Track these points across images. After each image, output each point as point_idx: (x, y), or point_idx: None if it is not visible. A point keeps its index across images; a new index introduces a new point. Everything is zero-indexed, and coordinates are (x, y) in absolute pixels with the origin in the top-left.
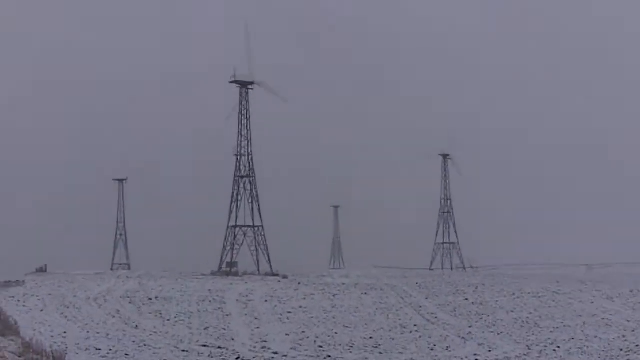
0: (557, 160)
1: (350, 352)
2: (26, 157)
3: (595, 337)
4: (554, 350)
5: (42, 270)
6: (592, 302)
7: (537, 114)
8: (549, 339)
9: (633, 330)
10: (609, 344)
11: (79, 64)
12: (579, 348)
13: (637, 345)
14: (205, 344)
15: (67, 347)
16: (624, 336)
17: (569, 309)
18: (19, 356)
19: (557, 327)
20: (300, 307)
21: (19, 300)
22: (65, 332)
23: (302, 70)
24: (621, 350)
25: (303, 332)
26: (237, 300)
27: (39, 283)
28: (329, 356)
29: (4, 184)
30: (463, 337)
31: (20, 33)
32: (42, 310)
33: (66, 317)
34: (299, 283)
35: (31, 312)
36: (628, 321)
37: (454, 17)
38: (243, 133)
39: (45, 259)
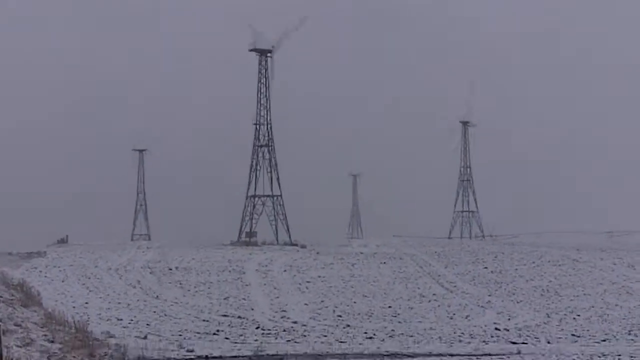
0: (578, 126)
1: (369, 321)
2: (45, 126)
3: (616, 305)
4: (574, 318)
5: (63, 241)
6: (613, 270)
7: (561, 77)
8: (569, 307)
9: None
10: (629, 312)
11: (95, 33)
12: (599, 316)
13: None
14: (225, 313)
15: (88, 318)
16: None
17: (589, 276)
18: (42, 327)
19: (577, 295)
20: (319, 276)
21: (40, 271)
22: (86, 303)
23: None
24: None
25: (322, 301)
26: (256, 270)
27: (60, 254)
28: (348, 325)
29: (22, 154)
30: (482, 306)
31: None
32: (63, 281)
33: (87, 287)
34: (318, 253)
35: (53, 283)
36: None
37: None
38: (262, 102)
39: (66, 230)
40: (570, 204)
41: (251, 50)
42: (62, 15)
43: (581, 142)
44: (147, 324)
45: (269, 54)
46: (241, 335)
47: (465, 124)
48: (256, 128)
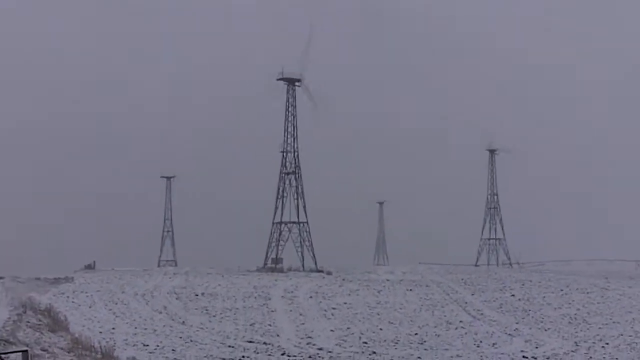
0: (602, 153)
1: (395, 348)
2: (75, 154)
3: None
4: (603, 347)
5: (90, 267)
6: None
7: (586, 99)
8: (597, 335)
9: None
10: None
11: (122, 62)
12: (628, 344)
13: None
14: (251, 339)
15: (115, 343)
16: None
17: (618, 305)
18: (68, 352)
19: (606, 324)
20: (345, 303)
21: (68, 297)
22: (113, 328)
23: (350, 68)
24: None
25: (348, 328)
26: (282, 296)
27: (87, 279)
28: (374, 352)
29: (52, 182)
30: (510, 334)
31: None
32: (90, 307)
33: (114, 313)
34: (344, 279)
35: (80, 308)
36: None
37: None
38: (289, 130)
39: (94, 255)
40: (599, 233)
41: (279, 79)
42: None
43: (613, 171)
44: (173, 350)
45: (297, 83)
46: None
47: (492, 152)
48: (283, 155)
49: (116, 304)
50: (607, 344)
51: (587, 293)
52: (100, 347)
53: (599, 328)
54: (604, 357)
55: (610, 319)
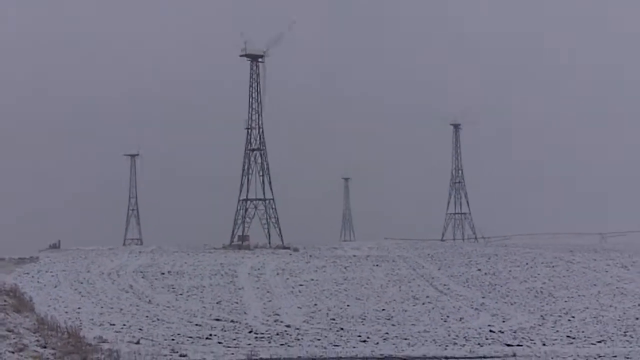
0: (569, 129)
1: (363, 324)
2: (37, 131)
3: (611, 306)
4: (569, 320)
5: (55, 246)
6: (607, 271)
7: (553, 81)
8: (564, 308)
9: None
10: (624, 313)
11: (92, 38)
12: (594, 317)
13: None
14: (218, 317)
15: (81, 323)
16: (639, 305)
17: (583, 278)
18: (34, 332)
19: (572, 297)
20: (312, 279)
21: (33, 277)
22: (79, 308)
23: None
24: (637, 319)
25: (315, 304)
26: (248, 273)
27: (52, 259)
28: (342, 328)
29: (16, 160)
30: (476, 308)
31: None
32: (56, 287)
33: (80, 292)
34: (310, 256)
35: (45, 288)
36: None
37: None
38: (254, 106)
39: (58, 234)
40: (563, 205)
41: (242, 55)
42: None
43: (574, 143)
44: (140, 329)
45: (260, 59)
46: (234, 339)
47: (456, 126)
48: (248, 132)
49: (82, 283)
50: (573, 317)
51: (553, 267)
52: (66, 327)
53: (565, 301)
54: (570, 331)
55: (576, 293)
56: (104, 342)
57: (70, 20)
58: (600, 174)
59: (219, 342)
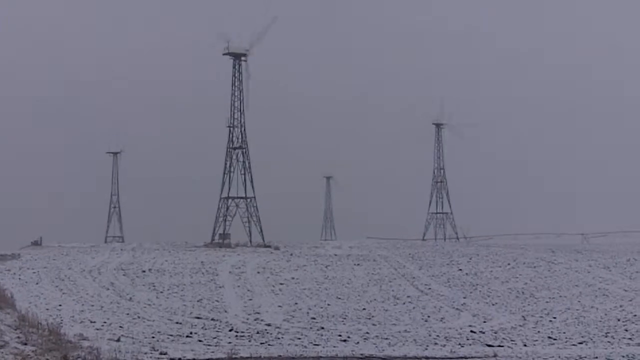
0: (552, 128)
1: (344, 323)
2: (19, 128)
3: (592, 307)
4: (550, 320)
5: (37, 243)
6: (589, 272)
7: (536, 81)
8: (545, 309)
9: (630, 300)
10: (606, 314)
11: (73, 35)
12: (576, 318)
13: (634, 315)
14: (199, 315)
15: (62, 320)
16: (621, 306)
17: (565, 278)
18: (15, 329)
19: (553, 298)
20: (293, 278)
21: (14, 274)
22: (60, 305)
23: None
24: (618, 320)
25: (296, 303)
26: (229, 272)
27: (34, 256)
28: (322, 327)
29: None
30: (457, 308)
31: None
32: (37, 283)
33: (61, 289)
34: (291, 254)
35: (27, 285)
36: (625, 290)
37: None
38: (236, 104)
39: (40, 232)
40: (545, 206)
41: (225, 54)
42: (35, 15)
43: (556, 143)
44: (120, 326)
45: (243, 58)
46: (214, 337)
47: (438, 126)
48: (230, 130)
49: (63, 280)
50: (555, 318)
51: (534, 267)
52: (47, 324)
53: (546, 302)
54: (551, 331)
55: (558, 293)
56: (84, 339)
57: (53, 18)
58: (581, 174)
59: (199, 340)
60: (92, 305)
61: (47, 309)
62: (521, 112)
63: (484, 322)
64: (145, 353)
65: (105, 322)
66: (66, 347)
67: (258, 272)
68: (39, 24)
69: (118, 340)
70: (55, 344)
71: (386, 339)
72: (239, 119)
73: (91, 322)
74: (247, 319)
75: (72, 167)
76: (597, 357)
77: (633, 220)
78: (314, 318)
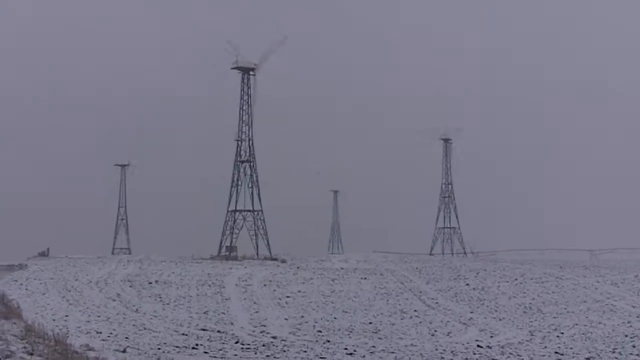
0: (558, 143)
1: (350, 337)
2: (28, 140)
3: (600, 323)
4: (558, 336)
5: (44, 254)
6: (596, 288)
7: (540, 101)
8: (552, 324)
9: (638, 316)
10: (613, 330)
11: (81, 46)
12: (583, 334)
13: None
14: (205, 327)
15: (68, 331)
16: (628, 322)
17: (573, 294)
18: (21, 339)
19: (561, 313)
20: (299, 291)
21: (21, 284)
22: (66, 316)
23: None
24: (626, 336)
25: (302, 316)
26: (236, 284)
27: (41, 267)
28: (328, 341)
29: (5, 169)
30: (464, 323)
31: None
32: (44, 294)
33: (68, 300)
34: (298, 267)
35: (33, 296)
36: (633, 307)
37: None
38: (244, 118)
39: (47, 243)
40: (552, 222)
41: (234, 68)
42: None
43: (563, 159)
44: (126, 337)
45: (251, 72)
46: (220, 349)
47: (446, 141)
48: (238, 144)
49: (69, 291)
50: (562, 333)
51: (542, 282)
52: (54, 334)
53: (554, 317)
54: (558, 347)
55: (565, 309)
56: (90, 350)
57: (63, 24)
58: (588, 191)
59: (205, 352)
60: (99, 316)
61: (54, 320)
62: (526, 128)
63: (491, 337)
64: None
65: (111, 333)
66: (72, 358)
67: (264, 285)
68: (55, 33)
69: (124, 351)
70: (61, 354)
71: (392, 353)
72: (247, 132)
73: (97, 332)
74: (253, 332)
75: (80, 179)
76: None
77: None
78: (320, 331)
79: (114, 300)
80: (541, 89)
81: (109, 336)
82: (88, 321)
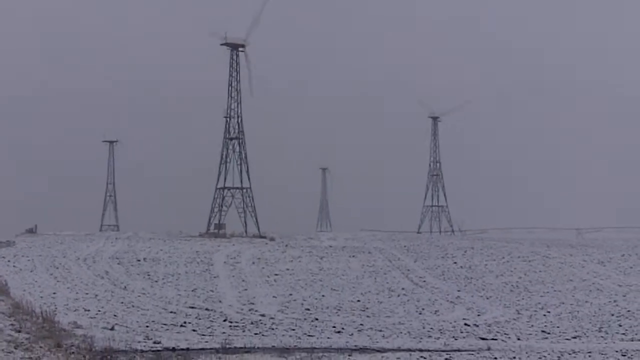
0: (547, 125)
1: (338, 315)
2: (16, 117)
3: (586, 301)
4: (544, 315)
5: (32, 230)
6: (583, 267)
7: (527, 81)
8: (539, 303)
9: (624, 295)
10: (599, 309)
11: (72, 27)
12: (570, 313)
13: (628, 310)
14: (193, 305)
15: (56, 308)
16: (615, 301)
17: (560, 273)
18: (9, 316)
19: (547, 292)
20: (288, 269)
21: (9, 261)
22: (54, 293)
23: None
24: (612, 315)
25: (290, 294)
26: (224, 262)
27: (29, 244)
28: (316, 319)
29: None
30: (452, 301)
31: None
32: (32, 271)
33: (55, 278)
34: (287, 245)
35: (21, 273)
36: (619, 286)
37: None
38: (233, 95)
39: (35, 219)
40: (538, 201)
41: (223, 44)
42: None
43: (552, 140)
44: (115, 315)
45: (240, 49)
46: (208, 327)
47: (435, 119)
48: (227, 121)
49: (57, 268)
50: (549, 312)
51: (529, 261)
52: (42, 312)
53: (541, 296)
54: (545, 325)
55: (552, 288)
56: (78, 327)
57: (51, 13)
58: (576, 171)
59: (194, 330)
60: (87, 294)
61: (42, 297)
62: (515, 109)
63: (478, 315)
64: (139, 342)
65: (99, 311)
66: (60, 335)
67: (253, 263)
68: (43, 19)
69: (112, 328)
70: (49, 331)
71: (380, 331)
72: (236, 109)
73: (85, 310)
74: (242, 309)
75: (69, 156)
76: (590, 352)
77: (627, 216)
78: (308, 309)
79: (102, 277)
80: (536, 77)
81: (97, 314)
82: (76, 299)
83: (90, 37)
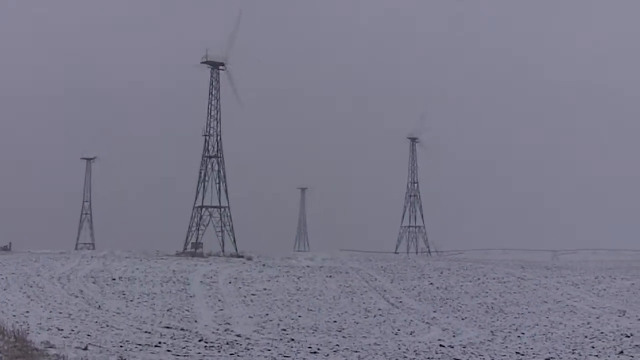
0: (522, 145)
1: (314, 335)
2: None
3: (560, 323)
4: (519, 336)
5: (6, 248)
6: (557, 289)
7: (503, 100)
8: (514, 324)
9: (598, 317)
10: (573, 331)
11: (54, 39)
12: (544, 334)
13: (601, 332)
14: (168, 325)
15: (29, 327)
16: (588, 323)
17: (534, 295)
18: None
19: (522, 313)
20: (265, 289)
21: None
22: (27, 312)
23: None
24: (585, 337)
25: (267, 314)
26: (201, 281)
27: (2, 261)
28: (293, 339)
29: None
30: (427, 322)
31: None
32: (5, 289)
33: (29, 296)
34: (264, 265)
35: None
36: (593, 308)
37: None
38: (212, 113)
39: (10, 237)
40: (516, 222)
41: (203, 62)
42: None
43: (529, 160)
44: (88, 335)
45: (221, 67)
46: (184, 347)
47: (413, 140)
48: (205, 139)
49: (31, 287)
50: (523, 333)
51: (504, 282)
52: (14, 330)
53: (515, 317)
54: (519, 347)
55: (526, 309)
56: (51, 347)
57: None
58: (554, 192)
59: (168, 350)
60: (60, 313)
61: (14, 316)
62: (494, 126)
63: (454, 336)
64: None
65: (72, 330)
66: (32, 355)
67: (230, 282)
68: (25, 27)
69: (85, 348)
70: (21, 351)
71: (356, 351)
72: (215, 127)
73: (59, 329)
74: (217, 330)
75: (45, 172)
76: None
77: (601, 238)
78: (284, 329)
79: (77, 296)
80: (507, 87)
81: (70, 333)
82: (49, 318)
83: (69, 52)
